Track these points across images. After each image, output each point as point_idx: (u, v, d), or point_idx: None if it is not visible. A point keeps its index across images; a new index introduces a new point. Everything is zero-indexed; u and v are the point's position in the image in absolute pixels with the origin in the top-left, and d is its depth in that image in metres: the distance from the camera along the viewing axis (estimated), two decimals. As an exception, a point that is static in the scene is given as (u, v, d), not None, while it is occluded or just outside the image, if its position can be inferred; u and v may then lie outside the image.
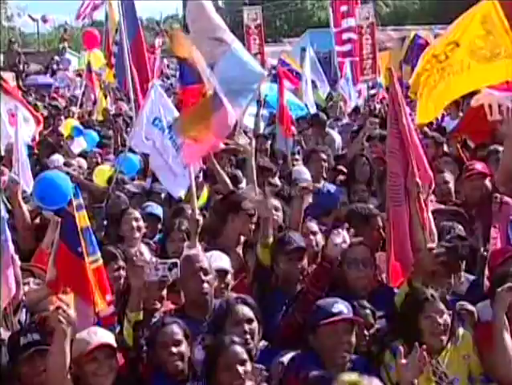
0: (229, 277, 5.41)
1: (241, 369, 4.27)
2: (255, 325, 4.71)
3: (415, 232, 5.28)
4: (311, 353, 4.55)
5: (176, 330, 4.50)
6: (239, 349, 4.35)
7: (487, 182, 6.66)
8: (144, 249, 6.22)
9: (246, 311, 4.72)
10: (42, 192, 5.09)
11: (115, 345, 4.40)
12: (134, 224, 6.56)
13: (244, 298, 4.86)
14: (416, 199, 5.28)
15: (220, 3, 57.63)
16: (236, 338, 4.43)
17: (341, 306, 4.48)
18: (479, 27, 7.58)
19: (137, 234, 6.55)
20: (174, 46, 6.23)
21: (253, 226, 6.27)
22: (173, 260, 5.04)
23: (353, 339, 4.47)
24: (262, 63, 16.02)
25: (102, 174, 9.36)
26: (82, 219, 4.84)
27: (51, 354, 4.23)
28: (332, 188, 8.14)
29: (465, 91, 8.20)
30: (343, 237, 5.03)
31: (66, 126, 13.55)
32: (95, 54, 18.25)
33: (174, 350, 4.44)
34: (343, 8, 16.09)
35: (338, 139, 11.97)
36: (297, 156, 9.80)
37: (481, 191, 6.65)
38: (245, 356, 4.33)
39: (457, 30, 7.80)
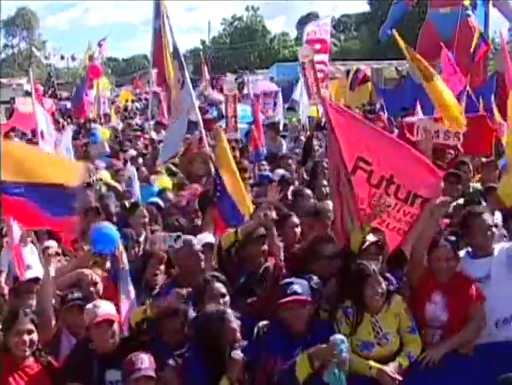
0: (215, 250, 5.23)
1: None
2: (227, 298, 4.50)
3: (345, 219, 5.03)
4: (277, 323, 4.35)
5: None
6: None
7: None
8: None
9: (220, 287, 4.51)
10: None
11: (115, 316, 4.34)
12: (142, 220, 6.43)
13: (218, 276, 4.61)
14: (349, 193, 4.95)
15: (207, 42, 57.52)
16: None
17: (296, 287, 4.28)
18: None
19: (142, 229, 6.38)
20: None
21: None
22: (177, 233, 5.00)
23: (306, 312, 4.29)
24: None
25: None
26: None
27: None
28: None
29: None
30: None
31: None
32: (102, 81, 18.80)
33: (171, 324, 4.30)
34: (317, 46, 16.00)
35: (285, 144, 11.97)
36: (263, 162, 9.63)
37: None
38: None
39: None
